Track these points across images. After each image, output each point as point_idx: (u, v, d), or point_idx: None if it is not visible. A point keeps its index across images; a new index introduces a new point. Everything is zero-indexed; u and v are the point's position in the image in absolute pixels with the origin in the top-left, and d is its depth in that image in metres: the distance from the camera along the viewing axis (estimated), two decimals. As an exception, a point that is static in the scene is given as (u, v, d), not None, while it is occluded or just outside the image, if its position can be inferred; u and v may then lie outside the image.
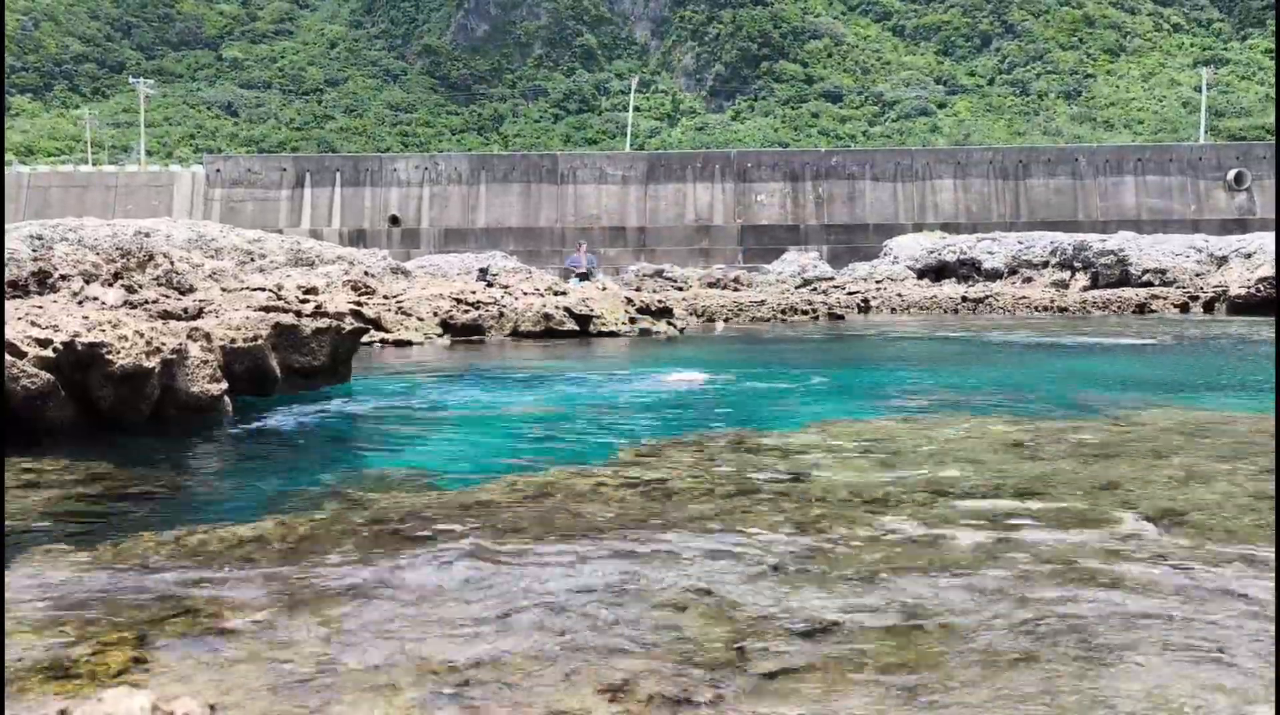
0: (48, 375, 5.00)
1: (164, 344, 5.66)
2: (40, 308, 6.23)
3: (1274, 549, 2.85)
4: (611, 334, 14.81)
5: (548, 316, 15.12)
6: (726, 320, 20.56)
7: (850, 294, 27.46)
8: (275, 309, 8.04)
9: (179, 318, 7.84)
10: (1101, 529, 3.01)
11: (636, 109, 69.39)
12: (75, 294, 9.37)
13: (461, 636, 2.19)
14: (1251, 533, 2.99)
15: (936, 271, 32.00)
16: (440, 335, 14.69)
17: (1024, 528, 3.03)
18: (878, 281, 31.32)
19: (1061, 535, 2.94)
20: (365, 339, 10.74)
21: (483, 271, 26.28)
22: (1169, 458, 4.28)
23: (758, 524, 3.14)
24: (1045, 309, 24.24)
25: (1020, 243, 31.39)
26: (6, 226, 17.47)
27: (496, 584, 2.57)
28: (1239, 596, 2.41)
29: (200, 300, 9.35)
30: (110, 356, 5.29)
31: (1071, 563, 2.65)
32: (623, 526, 3.15)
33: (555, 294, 17.00)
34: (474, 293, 16.80)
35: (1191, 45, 80.00)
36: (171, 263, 11.88)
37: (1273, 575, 2.58)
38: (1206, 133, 55.79)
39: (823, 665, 2.02)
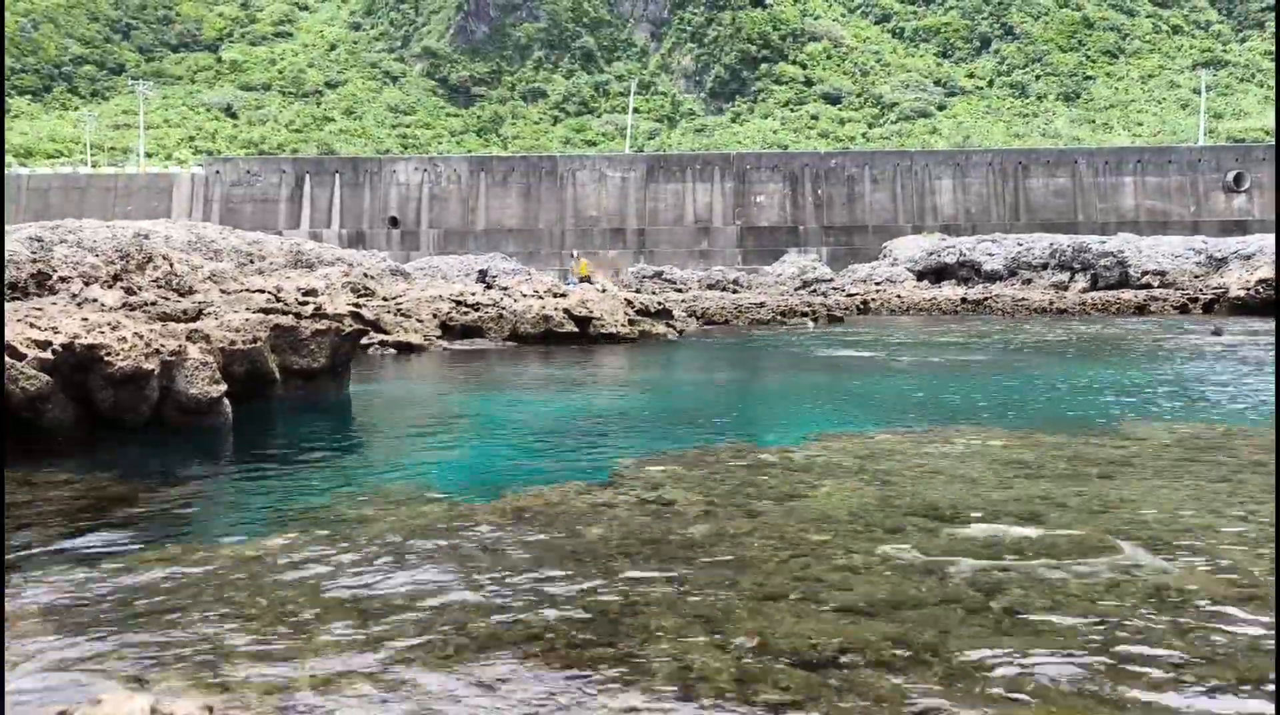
0: (47, 377, 4.99)
1: (163, 346, 5.65)
2: (40, 309, 6.22)
3: (1275, 561, 2.84)
4: (611, 337, 14.78)
5: (547, 318, 15.10)
6: (813, 316, 20.51)
7: (849, 296, 27.42)
8: (274, 311, 8.03)
9: (178, 319, 7.83)
10: (1100, 558, 2.99)
11: (636, 111, 69.39)
12: (74, 296, 9.36)
13: (461, 662, 2.17)
14: (1252, 562, 2.96)
15: (936, 273, 31.97)
16: (439, 337, 14.67)
17: (1023, 556, 3.01)
18: (877, 283, 31.28)
19: (1061, 564, 2.92)
20: (365, 341, 10.72)
21: (482, 273, 26.26)
22: (1170, 478, 4.25)
23: (759, 549, 3.12)
24: (1045, 311, 24.22)
25: (1020, 245, 31.39)
26: (6, 228, 17.42)
27: (496, 607, 2.55)
28: (1236, 629, 2.39)
29: (199, 302, 9.34)
30: (110, 358, 5.28)
31: (1070, 594, 2.64)
32: (624, 550, 3.13)
33: (555, 296, 16.97)
34: (473, 294, 16.77)
35: (1190, 47, 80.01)
36: (171, 265, 11.87)
37: (1272, 586, 2.57)
38: (1205, 134, 55.82)
39: (825, 697, 2.01)
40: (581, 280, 24.49)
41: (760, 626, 2.42)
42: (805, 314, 21.81)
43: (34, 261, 11.06)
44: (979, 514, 3.56)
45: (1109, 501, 3.78)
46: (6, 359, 4.81)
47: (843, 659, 2.21)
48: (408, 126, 76.07)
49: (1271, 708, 1.94)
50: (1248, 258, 28.16)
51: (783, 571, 2.88)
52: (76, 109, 71.01)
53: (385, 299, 16.42)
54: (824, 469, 4.51)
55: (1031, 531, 3.30)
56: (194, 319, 7.78)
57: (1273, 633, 2.34)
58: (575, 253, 28.47)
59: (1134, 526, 3.38)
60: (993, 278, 30.54)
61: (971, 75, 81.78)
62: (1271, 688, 2.04)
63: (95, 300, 8.94)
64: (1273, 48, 71.00)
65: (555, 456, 5.33)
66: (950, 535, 3.27)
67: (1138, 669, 2.15)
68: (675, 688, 2.05)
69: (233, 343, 6.44)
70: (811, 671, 2.14)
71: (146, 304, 8.47)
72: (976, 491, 3.97)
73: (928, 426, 5.92)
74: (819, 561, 2.98)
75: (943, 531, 3.32)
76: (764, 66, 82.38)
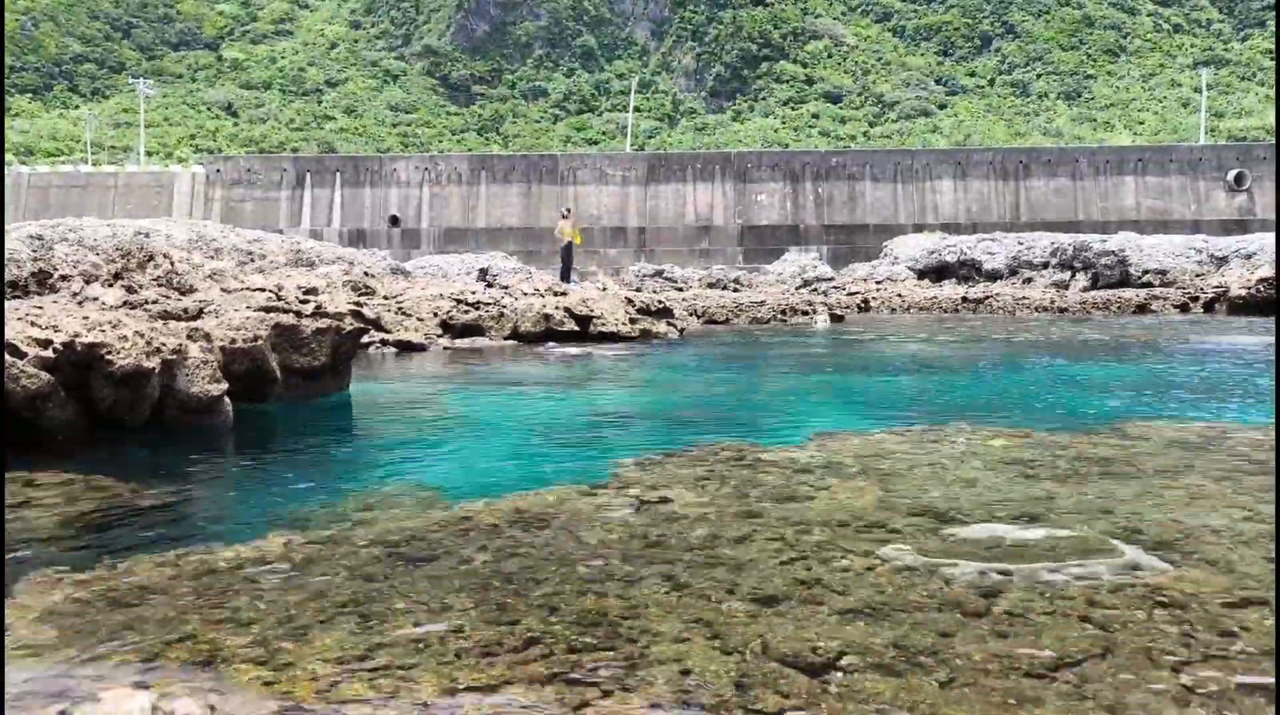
0: (47, 376, 4.98)
1: (164, 344, 5.65)
2: (40, 308, 6.22)
3: (1275, 561, 2.83)
4: (612, 335, 14.78)
5: (548, 317, 15.09)
6: (813, 315, 20.47)
7: (850, 295, 27.42)
8: (275, 309, 8.02)
9: (179, 318, 7.82)
10: (1100, 560, 2.98)
11: (636, 109, 69.38)
12: (75, 294, 9.35)
13: (460, 668, 2.17)
14: (1253, 564, 2.96)
15: (937, 272, 31.94)
16: (440, 335, 14.67)
17: (1024, 558, 3.00)
18: (878, 282, 31.27)
19: (1061, 566, 2.92)
20: (365, 339, 10.71)
21: (483, 272, 26.26)
22: (1172, 477, 4.24)
23: (759, 551, 3.11)
24: (1045, 310, 24.22)
25: (1020, 243, 31.35)
26: (6, 227, 17.39)
27: (495, 611, 2.55)
28: (1237, 630, 2.38)
29: (200, 300, 9.32)
30: (110, 357, 5.28)
31: (1071, 597, 2.64)
32: (624, 552, 3.13)
33: (555, 294, 16.97)
34: (474, 293, 16.76)
35: (1191, 46, 79.98)
36: (172, 263, 11.86)
37: (1273, 588, 2.56)
38: (1206, 133, 55.80)
39: (825, 702, 2.00)
40: (566, 248, 24.37)
41: (761, 630, 2.41)
42: (805, 313, 21.80)
43: (35, 260, 11.06)
44: (979, 515, 3.56)
45: (1110, 502, 3.78)
46: (7, 357, 4.80)
47: (843, 663, 2.20)
48: (408, 125, 76.10)
49: (1271, 710, 1.94)
50: (1249, 257, 28.13)
51: (783, 574, 2.88)
52: (77, 107, 71.07)
53: (386, 297, 16.42)
54: (825, 469, 4.51)
55: (1032, 533, 3.30)
56: (195, 317, 7.77)
57: (1273, 635, 2.34)
58: (567, 209, 27.85)
59: (1135, 527, 3.37)
60: (993, 276, 30.51)
61: (972, 74, 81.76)
62: (1272, 688, 2.03)
63: (96, 299, 8.93)
64: (1273, 46, 70.96)
65: (555, 456, 5.33)
66: (951, 537, 3.27)
67: (1138, 673, 2.15)
68: (675, 693, 2.05)
69: (233, 341, 6.44)
70: (812, 676, 2.14)
71: (147, 302, 8.46)
72: (977, 492, 3.97)
73: (928, 425, 5.92)
74: (820, 564, 2.97)
75: (943, 533, 3.32)
76: (765, 65, 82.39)
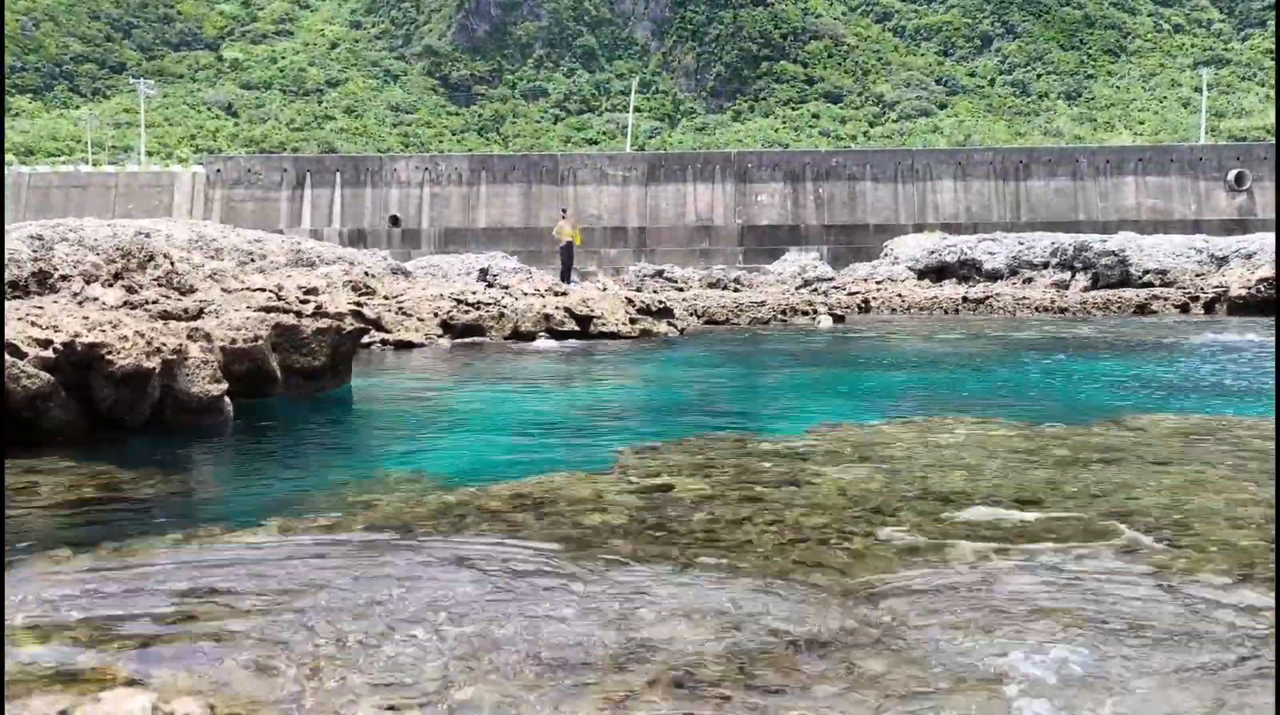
0: (48, 376, 4.99)
1: (164, 344, 5.66)
2: (40, 308, 6.22)
3: (1274, 557, 2.84)
4: (613, 335, 14.79)
5: (548, 317, 15.10)
6: (813, 314, 20.46)
7: (851, 294, 27.41)
8: (276, 309, 8.03)
9: (179, 318, 7.83)
10: (1100, 542, 2.99)
11: (637, 109, 69.34)
12: (75, 294, 9.35)
13: (461, 651, 2.17)
14: (1251, 547, 2.97)
15: (937, 272, 31.92)
16: (440, 336, 14.68)
17: (1024, 540, 3.01)
18: (878, 282, 31.26)
19: (1061, 548, 2.92)
20: (365, 339, 10.73)
21: (483, 272, 26.27)
22: (1170, 465, 4.26)
23: (760, 535, 3.12)
24: (1046, 309, 24.22)
25: (1021, 243, 31.32)
26: (7, 227, 17.38)
27: (497, 596, 2.56)
28: (1236, 613, 2.39)
29: (201, 300, 9.33)
30: (111, 357, 5.28)
31: (1073, 579, 2.64)
32: (624, 535, 3.13)
33: (555, 294, 16.97)
34: (474, 293, 16.76)
35: (1192, 46, 79.98)
36: (172, 263, 11.87)
37: (1271, 589, 2.57)
38: (1207, 133, 55.78)
39: (827, 681, 2.01)
40: (566, 248, 24.56)
41: (762, 610, 2.42)
42: (806, 313, 21.78)
43: (35, 260, 11.06)
44: (979, 499, 3.58)
45: (1109, 487, 3.79)
46: (7, 357, 4.81)
47: (843, 643, 2.21)
48: (409, 125, 76.11)
49: (1271, 696, 1.94)
50: (1249, 256, 28.11)
51: (784, 556, 2.89)
52: (77, 107, 71.09)
53: (386, 297, 16.41)
54: (825, 457, 4.52)
55: (1031, 516, 3.31)
56: (195, 317, 7.78)
57: (1271, 619, 2.35)
58: (565, 209, 27.95)
59: (1134, 512, 3.39)
60: (994, 276, 30.49)
61: (972, 74, 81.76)
62: (1270, 677, 2.04)
63: (96, 299, 8.94)
64: (1273, 46, 70.95)
65: (556, 446, 5.34)
66: (950, 519, 3.29)
67: (1136, 654, 2.15)
68: (675, 672, 2.06)
69: (234, 341, 6.45)
70: (813, 655, 2.15)
71: (148, 302, 8.46)
72: (977, 478, 3.98)
73: (928, 417, 5.94)
74: (820, 545, 2.99)
75: (943, 515, 3.33)
76: (765, 65, 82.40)
